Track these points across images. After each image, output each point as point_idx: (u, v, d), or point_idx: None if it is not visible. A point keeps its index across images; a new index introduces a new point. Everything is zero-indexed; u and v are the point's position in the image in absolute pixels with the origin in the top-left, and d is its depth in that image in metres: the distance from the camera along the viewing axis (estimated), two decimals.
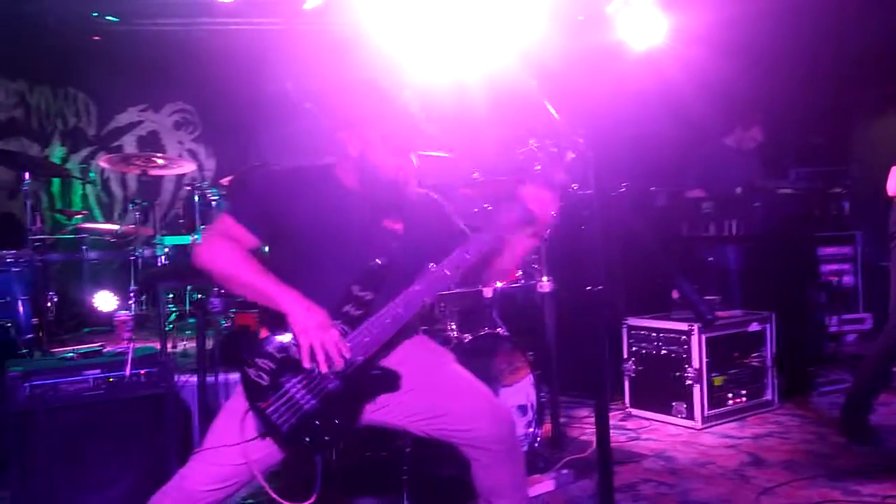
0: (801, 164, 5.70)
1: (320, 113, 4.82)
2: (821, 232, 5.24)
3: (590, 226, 1.93)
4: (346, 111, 2.13)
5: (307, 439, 1.94)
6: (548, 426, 3.67)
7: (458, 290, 3.47)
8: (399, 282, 2.07)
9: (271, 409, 1.91)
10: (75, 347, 3.44)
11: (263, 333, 2.00)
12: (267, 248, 2.23)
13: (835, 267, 5.24)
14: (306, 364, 1.94)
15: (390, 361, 2.10)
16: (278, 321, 1.97)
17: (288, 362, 1.95)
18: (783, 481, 3.16)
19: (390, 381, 2.05)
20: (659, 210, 5.12)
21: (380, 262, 2.08)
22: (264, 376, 1.93)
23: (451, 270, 2.06)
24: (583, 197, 1.94)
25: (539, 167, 2.06)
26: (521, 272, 3.80)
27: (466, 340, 3.28)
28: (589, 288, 1.89)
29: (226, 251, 2.05)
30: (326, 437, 1.96)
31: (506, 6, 3.93)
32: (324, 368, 1.94)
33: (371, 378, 2.04)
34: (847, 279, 5.31)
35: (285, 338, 1.97)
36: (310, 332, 1.92)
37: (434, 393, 2.11)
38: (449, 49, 4.15)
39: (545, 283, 3.68)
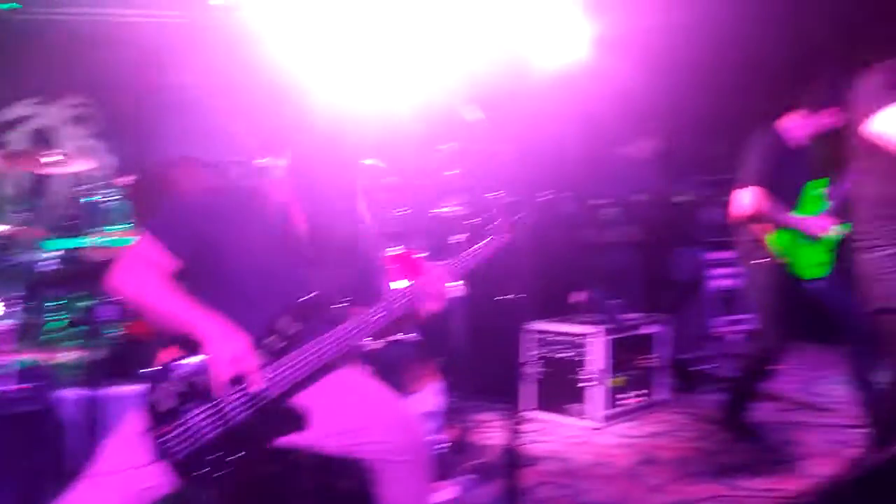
0: (699, 173, 6.00)
1: (225, 110, 4.71)
2: (713, 237, 5.54)
3: (503, 233, 1.99)
4: (270, 129, 2.14)
5: (205, 469, 1.87)
6: (454, 432, 3.74)
7: None
8: (329, 316, 2.06)
9: (170, 435, 1.84)
10: None
11: (169, 354, 1.95)
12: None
13: (724, 270, 5.57)
14: (216, 393, 1.89)
15: (306, 395, 2.06)
16: (192, 344, 1.91)
17: (196, 388, 1.89)
18: (673, 478, 3.36)
19: (297, 421, 1.99)
20: (566, 216, 5.29)
21: (306, 295, 2.04)
22: (167, 400, 1.86)
23: (385, 313, 2.09)
24: (501, 205, 2.01)
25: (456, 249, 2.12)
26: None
27: (377, 348, 3.31)
28: (501, 297, 1.96)
29: (138, 278, 1.96)
30: (226, 468, 1.90)
31: (423, 11, 3.96)
32: (234, 399, 1.90)
33: (280, 414, 1.98)
34: (732, 282, 5.65)
35: (196, 363, 1.90)
36: (225, 361, 1.86)
37: (342, 409, 2.10)
38: (365, 52, 4.13)
39: (457, 288, 3.74)
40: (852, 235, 2.61)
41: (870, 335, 3.44)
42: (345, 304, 2.14)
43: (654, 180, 5.36)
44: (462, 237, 3.46)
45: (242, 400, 1.92)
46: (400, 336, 3.40)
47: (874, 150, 2.45)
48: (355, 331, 2.07)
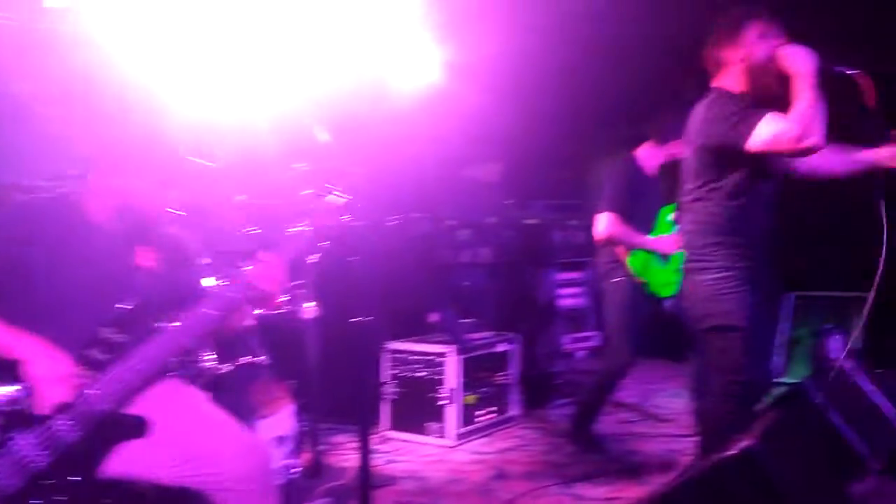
0: (547, 197, 6.28)
1: (58, 120, 4.40)
2: (560, 258, 5.81)
3: (358, 255, 1.99)
4: (104, 140, 2.02)
5: (41, 500, 1.75)
6: (307, 456, 3.65)
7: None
8: (155, 322, 1.98)
9: None
10: None
11: None
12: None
13: (571, 290, 5.85)
14: (41, 416, 1.77)
15: (136, 407, 1.97)
16: (8, 369, 1.78)
17: (18, 415, 1.76)
18: (523, 492, 3.45)
19: (134, 428, 1.92)
20: (419, 236, 5.36)
21: (132, 304, 1.97)
22: None
23: (214, 308, 2.01)
24: (353, 227, 2.00)
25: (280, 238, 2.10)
26: (286, 297, 3.77)
27: (222, 371, 3.17)
28: (355, 318, 1.95)
29: None
30: (61, 497, 1.78)
31: (277, 28, 3.89)
32: (61, 420, 1.78)
33: (113, 427, 1.90)
34: (580, 301, 5.94)
35: (14, 388, 1.78)
36: (47, 381, 1.76)
37: (181, 438, 2.01)
38: (215, 63, 3.99)
39: (309, 309, 3.68)
40: (686, 257, 2.76)
41: None
42: (170, 311, 2.05)
43: (502, 203, 5.54)
44: (315, 258, 3.44)
45: (71, 420, 1.80)
46: (249, 358, 3.29)
47: (711, 174, 2.61)
48: (183, 332, 1.99)
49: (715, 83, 2.66)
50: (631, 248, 3.84)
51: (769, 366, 2.83)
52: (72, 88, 4.19)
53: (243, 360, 3.31)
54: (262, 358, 3.51)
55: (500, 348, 4.60)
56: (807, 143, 2.31)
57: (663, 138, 3.88)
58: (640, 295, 3.85)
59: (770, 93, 2.48)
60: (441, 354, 4.25)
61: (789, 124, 2.32)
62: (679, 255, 3.77)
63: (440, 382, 4.23)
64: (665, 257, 3.85)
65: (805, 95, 2.33)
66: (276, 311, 3.67)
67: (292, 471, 3.38)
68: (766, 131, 2.36)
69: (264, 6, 3.77)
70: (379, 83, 4.58)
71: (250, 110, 3.90)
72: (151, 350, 1.93)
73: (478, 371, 4.41)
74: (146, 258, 2.08)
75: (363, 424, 2.02)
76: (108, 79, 3.89)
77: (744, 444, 2.26)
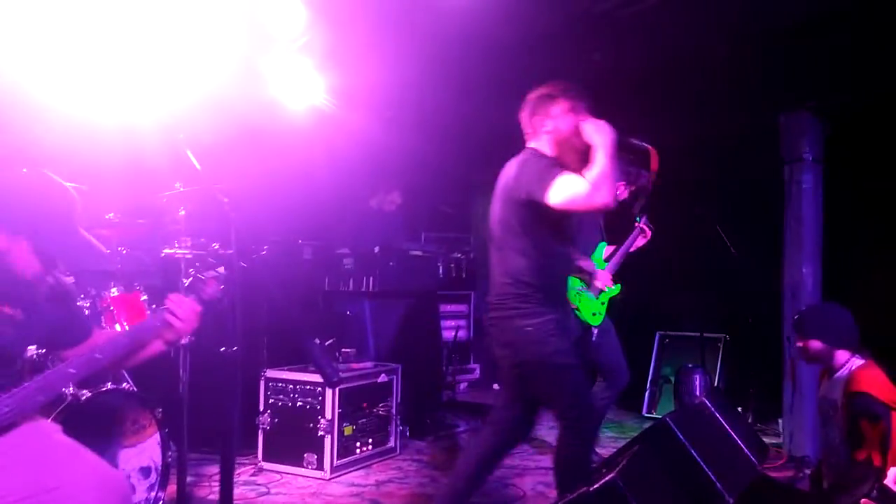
0: (432, 230, 6.36)
1: None
2: (443, 291, 5.87)
3: (229, 284, 1.95)
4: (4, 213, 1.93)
5: None
6: (173, 487, 3.47)
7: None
8: (14, 373, 1.90)
9: None
10: None
11: None
12: None
13: (453, 322, 5.92)
14: None
15: None
16: None
17: None
18: None
19: None
20: (305, 263, 5.28)
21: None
22: None
23: (77, 368, 1.97)
24: (223, 256, 1.97)
25: (191, 280, 2.09)
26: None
27: (84, 398, 2.99)
28: (224, 348, 1.90)
29: None
30: None
31: (153, 51, 3.75)
32: None
33: None
34: (462, 333, 6.02)
35: None
36: None
37: (32, 473, 1.88)
38: (87, 81, 3.81)
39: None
40: (498, 304, 2.88)
41: (624, 383, 4.28)
42: (44, 352, 1.96)
43: (396, 233, 5.56)
44: (188, 280, 3.32)
45: None
46: (112, 385, 3.12)
47: (519, 226, 2.82)
48: (45, 386, 1.92)
49: (529, 144, 2.95)
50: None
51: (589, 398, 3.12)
52: None
53: (107, 386, 3.14)
54: (128, 384, 3.34)
55: (381, 379, 4.57)
56: (598, 202, 2.60)
57: None
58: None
59: (575, 159, 2.77)
60: (320, 384, 4.17)
61: (584, 185, 2.60)
62: (610, 291, 4.21)
63: (318, 412, 4.15)
64: (596, 290, 4.16)
65: (600, 162, 2.61)
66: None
67: (157, 503, 3.21)
68: (565, 188, 2.63)
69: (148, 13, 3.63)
70: (270, 105, 4.51)
71: (135, 115, 3.75)
72: (10, 400, 1.85)
73: (358, 402, 4.36)
74: (11, 307, 1.98)
75: (225, 455, 1.95)
76: None
77: (607, 477, 2.36)
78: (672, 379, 5.81)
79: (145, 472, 3.24)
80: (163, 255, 3.42)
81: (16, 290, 1.97)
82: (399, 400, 4.66)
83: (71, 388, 3.00)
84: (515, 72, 4.60)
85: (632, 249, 4.37)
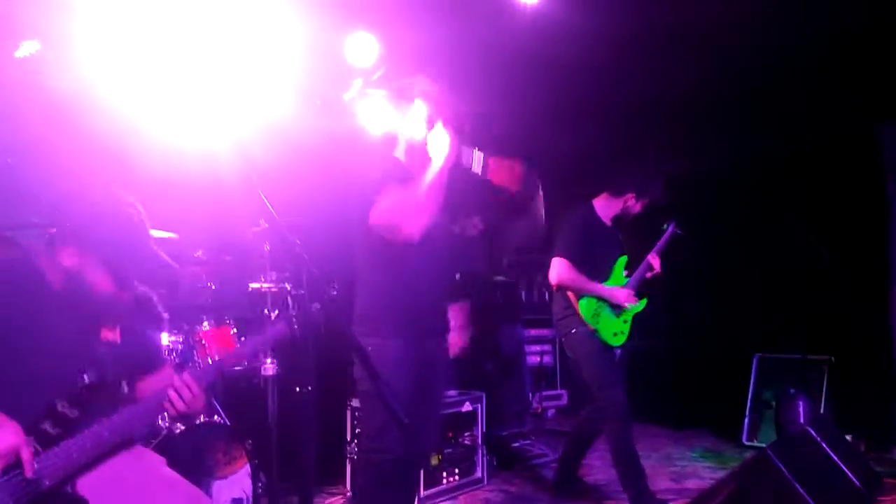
0: (514, 254, 6.30)
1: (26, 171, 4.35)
2: (527, 315, 5.80)
3: (302, 324, 1.97)
4: (76, 230, 1.96)
5: None
6: None
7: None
8: (113, 397, 1.94)
9: None
10: None
11: None
12: None
13: (538, 347, 5.82)
14: None
15: (86, 481, 1.90)
16: None
17: None
18: None
19: None
20: None
21: (89, 378, 1.89)
22: None
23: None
24: (296, 297, 1.99)
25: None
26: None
27: (178, 431, 3.09)
28: (299, 388, 1.92)
29: None
30: None
31: (232, 84, 3.89)
32: (4, 492, 1.70)
33: None
34: (547, 359, 5.91)
35: None
36: None
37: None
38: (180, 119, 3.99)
39: (269, 366, 3.60)
40: (361, 324, 2.61)
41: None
42: (128, 387, 2.00)
43: (477, 258, 5.54)
44: (276, 313, 3.40)
45: (13, 492, 1.71)
46: (205, 418, 3.21)
47: (367, 242, 2.57)
48: (135, 419, 1.95)
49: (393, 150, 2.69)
50: (582, 294, 3.83)
51: (427, 435, 2.76)
52: (40, 140, 4.15)
53: (200, 419, 3.23)
54: (220, 417, 3.43)
55: (466, 408, 4.53)
56: (404, 230, 2.40)
57: (619, 190, 3.94)
58: (601, 342, 3.83)
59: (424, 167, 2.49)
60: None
61: (391, 216, 2.38)
62: (633, 308, 3.86)
63: None
64: (617, 307, 3.85)
65: (420, 186, 2.39)
66: (237, 368, 3.61)
67: None
68: (383, 208, 2.40)
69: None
70: (346, 138, 4.60)
71: (217, 152, 3.89)
72: (103, 431, 1.87)
73: (443, 431, 4.33)
74: (109, 329, 2.03)
75: (304, 486, 1.97)
76: (76, 134, 3.86)
77: None
78: (773, 404, 5.51)
79: (237, 503, 3.30)
80: (250, 289, 3.52)
81: (100, 310, 2.00)
82: (485, 429, 4.60)
83: (166, 422, 3.11)
84: (591, 94, 4.56)
85: (650, 273, 3.98)
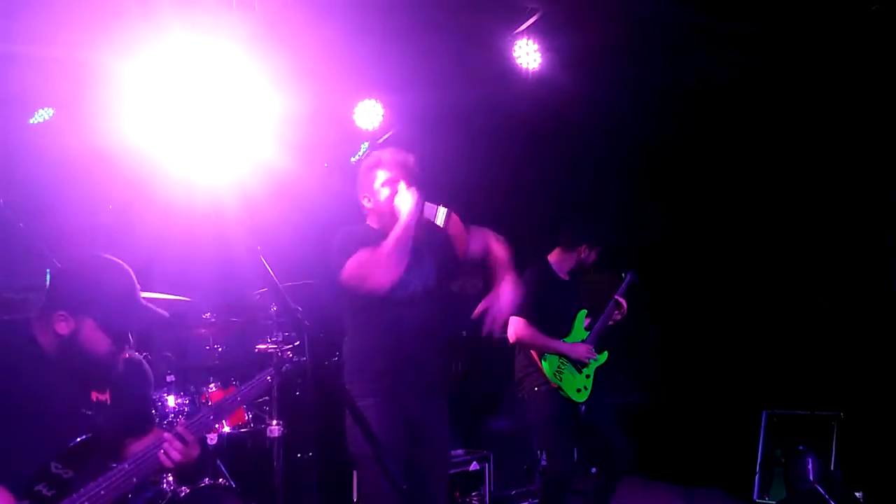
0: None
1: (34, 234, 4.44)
2: None
3: (304, 392, 1.99)
4: (66, 294, 2.00)
5: None
6: None
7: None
8: (106, 457, 1.95)
9: None
10: None
11: None
12: None
13: None
14: None
15: None
16: None
17: None
18: None
19: None
20: None
21: (82, 438, 1.92)
22: None
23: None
24: (297, 364, 2.02)
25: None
26: (250, 415, 3.72)
27: (183, 494, 3.08)
28: (300, 454, 1.93)
29: None
30: None
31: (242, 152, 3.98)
32: None
33: None
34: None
35: None
36: None
37: None
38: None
39: (275, 428, 3.60)
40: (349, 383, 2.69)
41: (623, 466, 3.82)
42: (121, 444, 2.02)
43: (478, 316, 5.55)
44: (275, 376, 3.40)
45: None
46: (209, 481, 3.20)
47: (346, 301, 2.69)
48: (130, 474, 1.94)
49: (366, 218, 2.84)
50: (542, 352, 3.77)
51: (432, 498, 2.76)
52: (52, 205, 4.23)
53: (205, 482, 3.23)
54: (225, 479, 3.42)
55: (473, 467, 4.50)
56: (374, 280, 2.51)
57: (572, 244, 3.94)
58: (562, 399, 3.75)
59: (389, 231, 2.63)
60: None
61: (359, 269, 2.52)
62: (593, 362, 3.82)
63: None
64: (578, 363, 3.79)
65: (389, 238, 2.54)
66: (243, 430, 3.62)
67: None
68: (352, 263, 2.54)
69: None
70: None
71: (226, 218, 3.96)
72: (99, 489, 1.88)
73: (449, 491, 4.29)
74: (99, 392, 2.05)
75: None
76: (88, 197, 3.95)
77: None
78: (783, 461, 5.44)
79: None
80: (256, 350, 3.55)
81: (96, 372, 2.03)
82: (492, 489, 4.56)
83: (171, 485, 3.11)
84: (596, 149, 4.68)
85: (612, 320, 3.95)
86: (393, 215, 2.65)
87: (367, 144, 4.68)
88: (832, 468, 5.27)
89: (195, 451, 2.04)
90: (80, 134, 4.56)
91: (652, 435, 4.40)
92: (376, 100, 4.50)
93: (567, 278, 3.97)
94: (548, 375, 3.73)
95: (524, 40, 3.96)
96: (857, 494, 4.57)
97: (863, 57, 4.05)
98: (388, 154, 2.78)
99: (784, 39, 3.99)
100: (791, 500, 4.40)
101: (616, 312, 3.96)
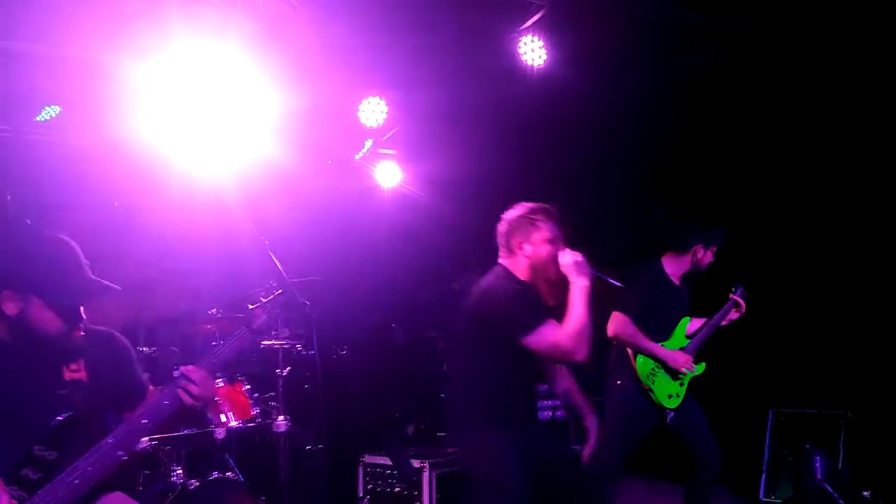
0: None
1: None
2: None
3: (313, 383, 2.00)
4: (9, 274, 1.97)
5: None
6: None
7: (186, 431, 3.30)
8: (90, 434, 1.94)
9: None
10: None
11: None
12: None
13: (550, 402, 5.76)
14: None
15: None
16: None
17: None
18: None
19: None
20: (400, 349, 5.34)
21: (62, 418, 1.92)
22: None
23: (149, 419, 1.97)
24: (306, 357, 2.03)
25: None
26: (257, 410, 3.73)
27: (192, 487, 3.10)
28: (310, 447, 1.93)
29: None
30: None
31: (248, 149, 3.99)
32: None
33: None
34: (560, 413, 5.85)
35: None
36: None
37: None
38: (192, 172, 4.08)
39: (281, 423, 3.62)
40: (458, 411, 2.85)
41: (717, 468, 3.80)
42: (105, 419, 2.01)
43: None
44: (284, 372, 3.42)
45: None
46: (217, 474, 3.22)
47: (477, 341, 2.78)
48: (117, 444, 1.94)
49: (502, 259, 2.90)
50: (638, 352, 3.72)
51: None
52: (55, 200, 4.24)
53: (214, 475, 3.24)
54: (233, 473, 3.44)
55: None
56: (576, 357, 2.64)
57: (684, 248, 3.88)
58: (645, 403, 3.71)
59: (547, 288, 2.79)
60: (416, 470, 4.15)
61: (566, 339, 2.63)
62: (690, 373, 3.76)
63: (415, 498, 4.11)
64: (673, 371, 3.74)
65: (577, 311, 2.67)
66: (250, 424, 3.63)
67: None
68: (547, 337, 2.64)
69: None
70: (359, 196, 4.71)
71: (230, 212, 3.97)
72: (86, 465, 1.88)
73: (457, 488, 4.29)
74: (72, 370, 2.03)
75: None
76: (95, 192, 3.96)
77: None
78: (790, 460, 5.42)
79: None
80: (261, 346, 3.56)
81: (53, 350, 2.01)
82: None
83: (181, 478, 3.13)
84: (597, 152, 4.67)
85: (723, 323, 3.96)
86: (547, 271, 2.79)
87: (370, 142, 4.69)
88: (840, 467, 5.24)
89: (212, 385, 2.06)
90: (88, 131, 4.59)
91: (657, 434, 4.37)
92: (380, 97, 4.51)
93: (678, 283, 3.91)
94: (640, 376, 3.68)
95: (529, 37, 3.95)
96: (864, 494, 4.55)
97: (875, 53, 4.02)
98: (555, 211, 2.89)
99: (794, 36, 3.97)
100: (799, 499, 4.38)
101: (734, 311, 3.95)
